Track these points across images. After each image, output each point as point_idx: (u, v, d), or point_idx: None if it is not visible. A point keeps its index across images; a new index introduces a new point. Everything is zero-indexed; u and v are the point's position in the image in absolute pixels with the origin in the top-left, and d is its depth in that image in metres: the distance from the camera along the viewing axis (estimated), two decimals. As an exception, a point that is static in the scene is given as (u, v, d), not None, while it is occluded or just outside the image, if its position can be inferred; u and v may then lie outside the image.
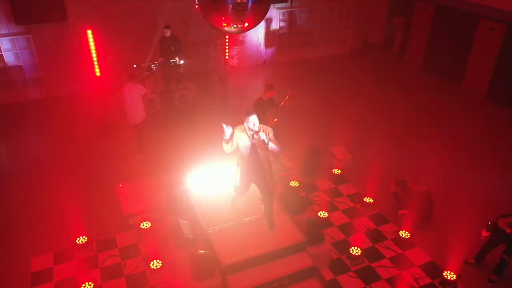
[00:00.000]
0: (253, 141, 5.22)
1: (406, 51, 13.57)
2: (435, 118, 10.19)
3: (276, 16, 12.79)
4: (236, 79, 10.93)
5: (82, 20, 9.87)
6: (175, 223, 5.90)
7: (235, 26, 4.59)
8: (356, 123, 9.70)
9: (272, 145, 5.21)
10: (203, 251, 5.33)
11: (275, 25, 12.93)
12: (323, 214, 6.86)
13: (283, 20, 13.01)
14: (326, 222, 6.79)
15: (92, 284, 5.54)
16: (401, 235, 6.47)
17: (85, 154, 8.50)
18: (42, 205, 7.05)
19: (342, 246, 6.35)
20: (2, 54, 10.13)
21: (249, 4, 4.41)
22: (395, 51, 14.08)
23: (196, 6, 4.63)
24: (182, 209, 6.29)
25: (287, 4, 12.82)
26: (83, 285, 5.51)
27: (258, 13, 4.61)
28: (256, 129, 5.12)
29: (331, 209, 7.15)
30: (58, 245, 6.27)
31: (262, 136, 5.07)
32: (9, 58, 10.28)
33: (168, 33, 9.28)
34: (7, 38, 10.11)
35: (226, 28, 4.67)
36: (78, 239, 6.22)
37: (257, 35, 12.80)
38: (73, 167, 8.07)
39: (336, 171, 7.95)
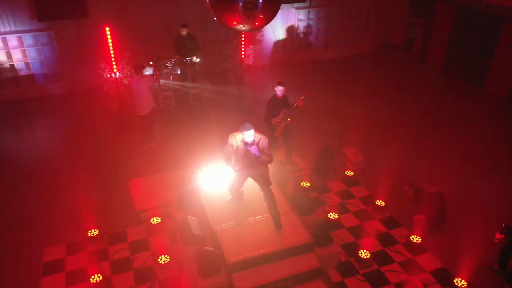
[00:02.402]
0: (245, 149, 5.45)
1: (426, 52, 13.32)
2: (453, 121, 9.97)
3: (294, 15, 12.74)
4: (252, 78, 10.92)
5: (103, 17, 10.04)
6: (184, 219, 5.95)
7: (245, 24, 4.58)
8: (371, 125, 9.58)
9: (263, 157, 5.48)
10: (210, 248, 5.35)
11: (293, 24, 12.86)
12: (333, 215, 6.81)
13: (301, 20, 12.94)
14: (336, 223, 6.74)
15: (101, 276, 5.64)
16: (412, 239, 6.36)
17: (101, 149, 8.66)
18: (57, 197, 7.21)
19: (351, 249, 6.28)
20: (25, 49, 10.40)
21: (260, 2, 4.39)
22: (415, 53, 13.83)
23: (208, 4, 4.65)
24: (191, 206, 6.33)
25: (306, 4, 12.74)
26: (93, 276, 5.61)
27: (269, 11, 4.59)
28: (250, 142, 5.38)
29: (342, 211, 7.08)
30: (71, 237, 6.41)
31: (253, 150, 5.36)
32: (32, 53, 10.54)
33: (184, 32, 9.35)
34: (30, 34, 10.38)
35: (237, 27, 4.66)
36: (90, 231, 6.33)
37: (274, 34, 12.78)
38: (88, 161, 8.23)
39: (349, 173, 7.86)
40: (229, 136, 5.58)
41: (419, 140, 9.09)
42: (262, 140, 5.45)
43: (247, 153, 5.46)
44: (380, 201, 7.07)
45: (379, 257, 6.16)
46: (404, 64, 13.50)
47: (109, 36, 8.27)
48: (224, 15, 4.63)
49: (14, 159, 8.40)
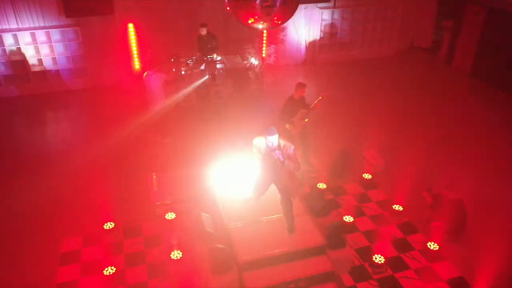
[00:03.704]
0: (270, 152, 5.30)
1: (454, 56, 12.95)
2: (479, 127, 9.67)
3: (318, 15, 12.62)
4: (273, 78, 10.88)
5: (128, 14, 10.23)
6: (198, 216, 5.98)
7: (263, 22, 4.55)
8: (393, 128, 9.40)
9: (288, 163, 5.31)
10: (221, 246, 5.36)
11: (317, 24, 12.75)
12: (348, 218, 6.70)
13: (325, 20, 12.80)
14: (351, 227, 6.62)
15: (115, 269, 5.72)
16: (429, 246, 6.18)
17: (121, 143, 8.78)
18: (77, 189, 7.35)
19: (366, 253, 6.17)
20: (52, 44, 10.69)
21: (277, 0, 4.36)
22: (442, 56, 13.48)
23: (226, 3, 4.65)
24: (206, 203, 6.36)
25: (330, 4, 12.61)
26: (106, 268, 5.71)
27: (287, 10, 4.55)
28: (274, 147, 5.23)
29: (357, 214, 6.96)
30: (88, 228, 6.53)
31: (278, 154, 5.19)
32: (59, 48, 10.83)
33: (203, 31, 9.39)
34: (58, 29, 10.65)
35: (254, 25, 4.64)
36: (106, 224, 6.44)
37: (298, 34, 12.69)
38: (108, 155, 8.37)
39: (367, 176, 7.72)
40: (254, 140, 5.48)
41: (441, 145, 8.84)
42: (288, 147, 5.32)
43: (270, 157, 5.32)
44: (398, 205, 6.91)
45: (394, 263, 6.03)
46: (430, 67, 13.19)
47: (131, 33, 8.39)
48: (242, 13, 4.62)
49: (37, 151, 8.64)
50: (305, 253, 5.51)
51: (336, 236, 5.77)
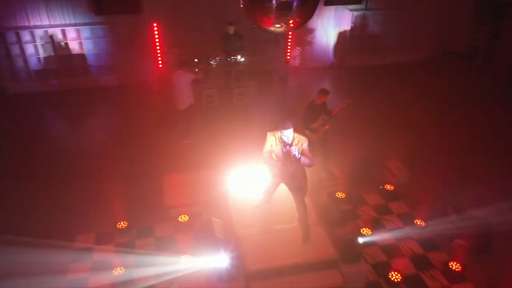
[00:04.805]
0: (284, 150, 5.08)
1: (491, 62, 12.30)
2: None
3: (348, 17, 12.28)
4: (299, 81, 10.67)
5: (155, 13, 10.28)
6: (209, 220, 5.88)
7: (278, 25, 4.39)
8: (420, 137, 8.98)
9: (303, 160, 5.05)
10: (229, 253, 5.23)
11: (346, 27, 12.42)
12: (366, 231, 6.42)
13: (355, 22, 12.45)
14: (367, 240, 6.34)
15: (123, 269, 5.70)
16: (451, 266, 5.82)
17: (142, 142, 8.84)
18: (94, 186, 7.39)
19: (382, 268, 5.87)
20: (81, 41, 10.90)
21: (294, 3, 4.18)
22: (478, 62, 12.83)
23: (241, 4, 4.51)
24: (218, 207, 6.25)
25: (361, 6, 12.25)
26: (115, 268, 5.70)
27: (305, 12, 4.36)
28: (289, 142, 5.00)
29: (376, 226, 6.66)
30: (101, 226, 6.55)
31: (294, 151, 4.94)
32: (88, 45, 11.02)
33: (231, 30, 9.31)
34: (88, 27, 10.85)
35: (270, 28, 4.48)
36: (119, 223, 6.44)
37: (326, 36, 12.41)
38: (128, 153, 8.43)
39: (389, 187, 7.40)
40: (267, 135, 5.26)
41: (471, 158, 8.37)
42: (302, 141, 5.13)
43: (286, 154, 5.13)
44: (420, 220, 6.58)
45: (411, 281, 5.71)
46: (465, 74, 12.57)
47: (156, 32, 8.41)
48: (258, 15, 4.47)
49: (59, 146, 8.80)
50: (316, 265, 5.32)
51: (351, 249, 5.53)
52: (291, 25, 4.42)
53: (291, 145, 5.02)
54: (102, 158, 8.27)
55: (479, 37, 12.92)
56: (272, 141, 5.19)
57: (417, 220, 6.60)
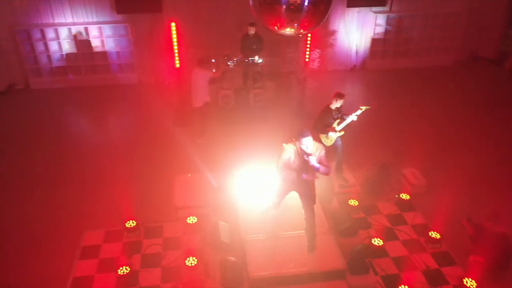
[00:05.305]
0: (305, 158, 4.97)
1: (522, 69, 11.81)
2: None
3: (372, 20, 12.01)
4: (319, 83, 10.46)
5: (175, 12, 10.30)
6: (215, 224, 5.80)
7: (289, 28, 4.26)
8: (440, 146, 8.66)
9: (322, 169, 4.98)
10: (232, 259, 5.14)
11: (370, 29, 12.14)
12: (377, 241, 6.20)
13: (379, 25, 12.16)
14: (380, 251, 6.12)
15: (129, 269, 5.69)
16: (466, 282, 5.55)
17: (157, 141, 8.87)
18: (106, 183, 7.42)
19: (392, 282, 5.64)
20: (103, 39, 11.04)
21: (305, 5, 4.05)
22: (508, 68, 12.31)
23: (251, 7, 4.41)
24: (226, 210, 6.17)
25: (386, 8, 11.94)
26: (121, 268, 5.69)
27: (316, 15, 4.22)
28: (309, 151, 4.89)
29: (389, 237, 6.43)
30: (111, 224, 6.57)
31: (312, 161, 4.86)
32: (109, 43, 11.16)
33: (252, 30, 9.22)
34: (109, 25, 10.99)
35: (280, 31, 4.37)
36: (128, 222, 6.45)
37: (348, 38, 12.16)
38: (142, 152, 8.48)
39: (405, 196, 7.14)
40: (283, 146, 5.15)
41: (492, 171, 8.00)
42: (320, 149, 5.07)
43: (302, 163, 5.03)
44: (435, 232, 6.31)
45: (423, 297, 5.49)
46: (493, 80, 12.09)
47: (174, 31, 8.42)
48: (267, 18, 4.35)
49: (75, 141, 8.91)
50: (322, 275, 5.16)
51: (359, 260, 5.35)
52: (302, 28, 4.28)
53: (310, 154, 4.93)
54: (117, 155, 8.32)
55: (510, 42, 12.41)
56: (290, 152, 5.08)
57: (432, 232, 6.33)
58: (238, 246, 5.60)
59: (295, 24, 4.22)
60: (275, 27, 4.30)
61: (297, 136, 4.92)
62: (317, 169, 4.97)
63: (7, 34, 10.58)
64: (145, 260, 6.03)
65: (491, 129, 9.53)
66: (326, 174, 5.16)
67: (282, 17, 4.18)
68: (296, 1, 4.00)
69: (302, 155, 4.97)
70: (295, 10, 4.09)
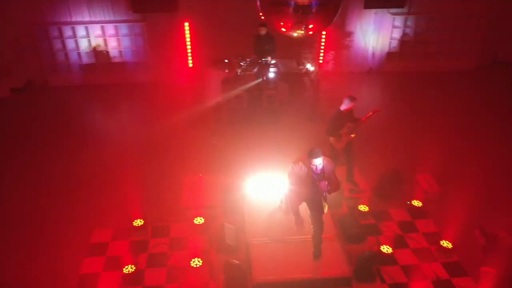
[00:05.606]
0: (315, 177, 4.97)
1: (545, 74, 11.42)
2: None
3: (389, 21, 11.79)
4: (331, 85, 10.33)
5: (190, 12, 10.31)
6: (221, 225, 5.77)
7: (297, 30, 4.19)
8: (456, 152, 8.43)
9: (332, 189, 5.08)
10: (236, 262, 5.09)
11: (387, 31, 11.92)
12: (386, 248, 6.07)
13: (397, 27, 11.93)
14: (389, 258, 5.99)
15: (134, 268, 5.72)
16: (477, 294, 5.40)
17: (169, 140, 8.88)
18: (116, 181, 7.45)
19: (399, 290, 5.54)
20: (119, 38, 11.15)
21: (313, 7, 3.97)
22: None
23: (258, 8, 4.36)
24: (233, 212, 6.13)
25: (404, 10, 11.70)
26: (126, 266, 5.72)
27: (324, 17, 4.14)
28: (318, 171, 4.91)
29: (399, 244, 6.29)
30: (119, 222, 6.61)
31: (323, 186, 4.91)
32: (125, 42, 11.27)
33: (263, 31, 9.16)
34: (125, 24, 11.09)
35: (288, 32, 4.30)
36: (135, 221, 6.47)
37: (365, 40, 11.98)
38: (154, 151, 8.51)
39: (417, 203, 6.97)
40: (293, 165, 5.06)
41: (509, 180, 7.75)
42: (328, 164, 5.02)
43: (313, 186, 5.02)
44: (447, 241, 6.14)
45: (432, 308, 5.35)
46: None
47: (187, 31, 8.44)
48: (274, 19, 4.29)
49: (88, 139, 9.01)
50: (327, 282, 5.09)
51: (366, 267, 5.24)
52: (310, 30, 4.20)
53: (321, 180, 4.94)
54: (130, 154, 8.38)
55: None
56: (299, 172, 5.00)
57: (444, 241, 6.16)
58: (243, 249, 5.55)
59: (303, 27, 4.12)
60: (283, 29, 4.22)
61: (308, 156, 4.88)
62: (328, 192, 5.02)
63: (26, 31, 10.77)
64: (152, 259, 6.04)
65: (508, 134, 9.23)
66: (335, 190, 5.19)
67: (290, 18, 4.11)
68: (303, 3, 3.91)
69: (313, 175, 4.95)
70: (303, 12, 4.01)
